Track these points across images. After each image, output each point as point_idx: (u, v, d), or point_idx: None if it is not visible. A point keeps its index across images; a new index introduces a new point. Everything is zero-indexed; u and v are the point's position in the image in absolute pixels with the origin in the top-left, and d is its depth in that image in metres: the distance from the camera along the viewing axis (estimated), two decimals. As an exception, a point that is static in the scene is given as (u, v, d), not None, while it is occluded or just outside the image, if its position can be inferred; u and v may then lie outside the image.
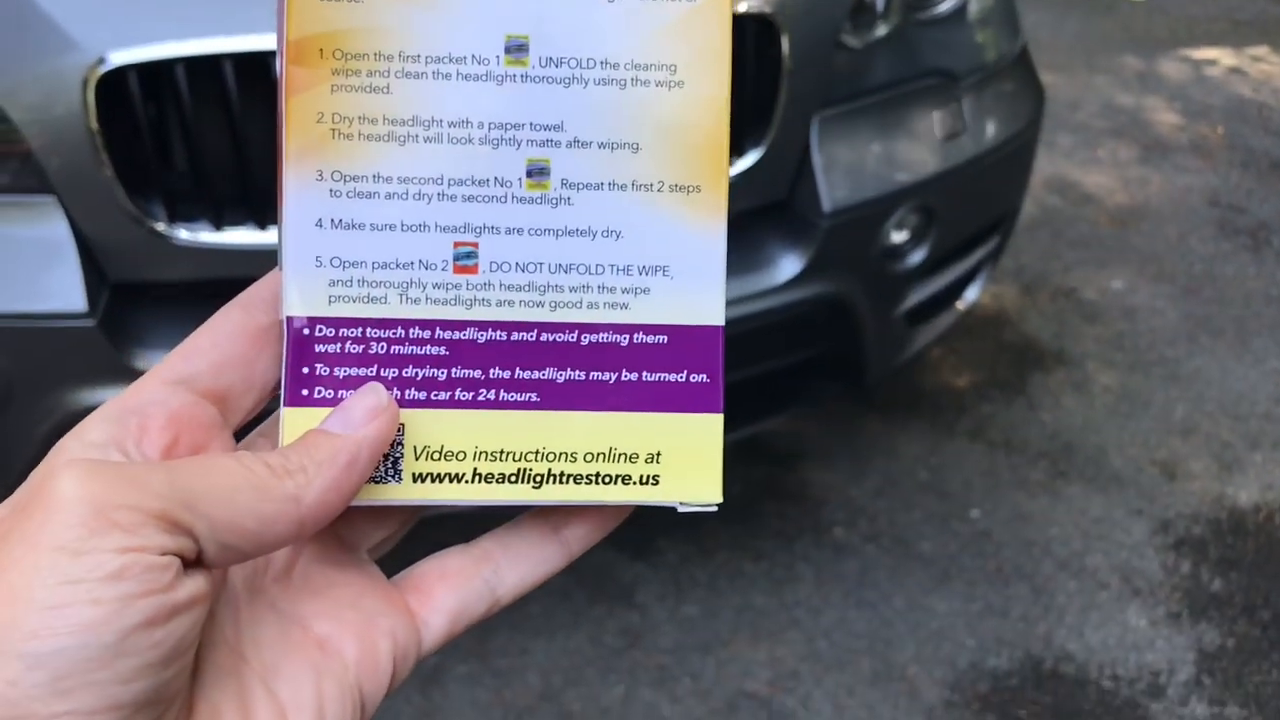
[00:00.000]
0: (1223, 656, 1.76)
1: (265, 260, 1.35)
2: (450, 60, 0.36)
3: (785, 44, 1.44)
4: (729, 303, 1.43)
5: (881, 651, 1.74)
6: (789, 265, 1.49)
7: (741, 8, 1.43)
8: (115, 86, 1.23)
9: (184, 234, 1.29)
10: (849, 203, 1.51)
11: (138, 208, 1.27)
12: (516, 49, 0.36)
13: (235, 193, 1.30)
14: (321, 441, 0.34)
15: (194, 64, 1.24)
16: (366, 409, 0.35)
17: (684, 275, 0.37)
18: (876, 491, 2.02)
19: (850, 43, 1.55)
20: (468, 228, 0.36)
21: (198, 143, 1.26)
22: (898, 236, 1.61)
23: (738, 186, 1.48)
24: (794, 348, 1.60)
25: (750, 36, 1.44)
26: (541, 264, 0.37)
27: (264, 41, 1.25)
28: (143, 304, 1.32)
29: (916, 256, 1.63)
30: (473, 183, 0.36)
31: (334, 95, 0.36)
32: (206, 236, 1.29)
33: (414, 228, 0.36)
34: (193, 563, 0.31)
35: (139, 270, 1.31)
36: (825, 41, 1.51)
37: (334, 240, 0.36)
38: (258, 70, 1.26)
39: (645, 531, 1.89)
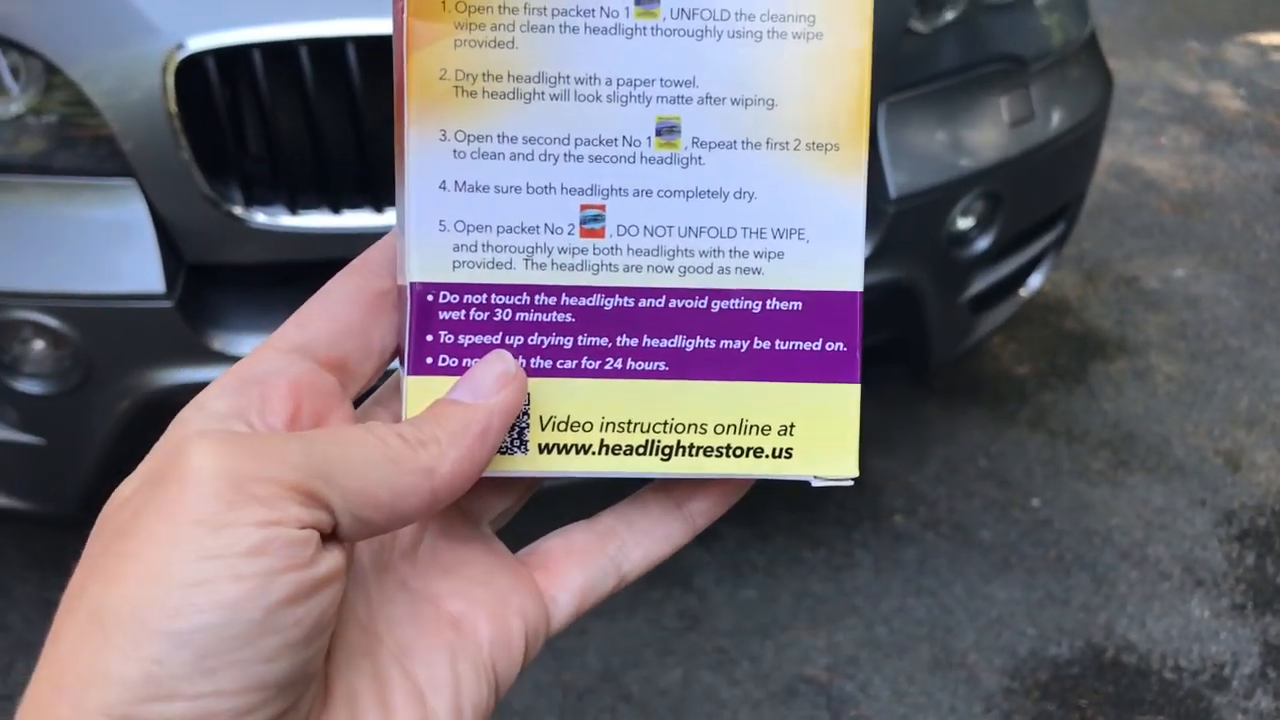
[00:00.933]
0: (1288, 649, 1.74)
1: (340, 243, 1.37)
2: (578, 13, 0.34)
3: (854, 29, 1.44)
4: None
5: (941, 639, 1.74)
6: (855, 251, 1.48)
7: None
8: (193, 71, 1.25)
9: (260, 217, 1.31)
10: (915, 189, 1.50)
11: (214, 191, 1.29)
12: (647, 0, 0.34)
13: (310, 177, 1.32)
14: (453, 412, 0.33)
15: (270, 49, 1.26)
16: (495, 376, 0.34)
17: (820, 238, 0.36)
18: (936, 479, 2.02)
19: (918, 28, 1.54)
20: (595, 189, 0.35)
21: (273, 127, 1.28)
22: (964, 223, 1.60)
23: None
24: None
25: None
26: (671, 227, 0.35)
27: (339, 27, 1.26)
28: (219, 285, 1.35)
29: (982, 243, 1.62)
30: (600, 142, 0.35)
31: (457, 50, 0.34)
32: (282, 220, 1.31)
33: (540, 190, 0.35)
34: (328, 536, 0.30)
35: (215, 252, 1.33)
36: (893, 26, 1.50)
37: (458, 203, 0.34)
38: (333, 55, 1.27)
39: (704, 516, 1.89)
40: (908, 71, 1.53)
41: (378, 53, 1.27)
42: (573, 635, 1.69)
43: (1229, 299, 2.51)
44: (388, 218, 1.32)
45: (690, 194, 0.35)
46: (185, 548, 0.27)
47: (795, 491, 1.94)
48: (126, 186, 1.29)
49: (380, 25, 1.26)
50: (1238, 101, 3.37)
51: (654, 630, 1.73)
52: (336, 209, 1.31)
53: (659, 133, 0.35)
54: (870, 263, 1.48)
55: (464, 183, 0.34)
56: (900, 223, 1.49)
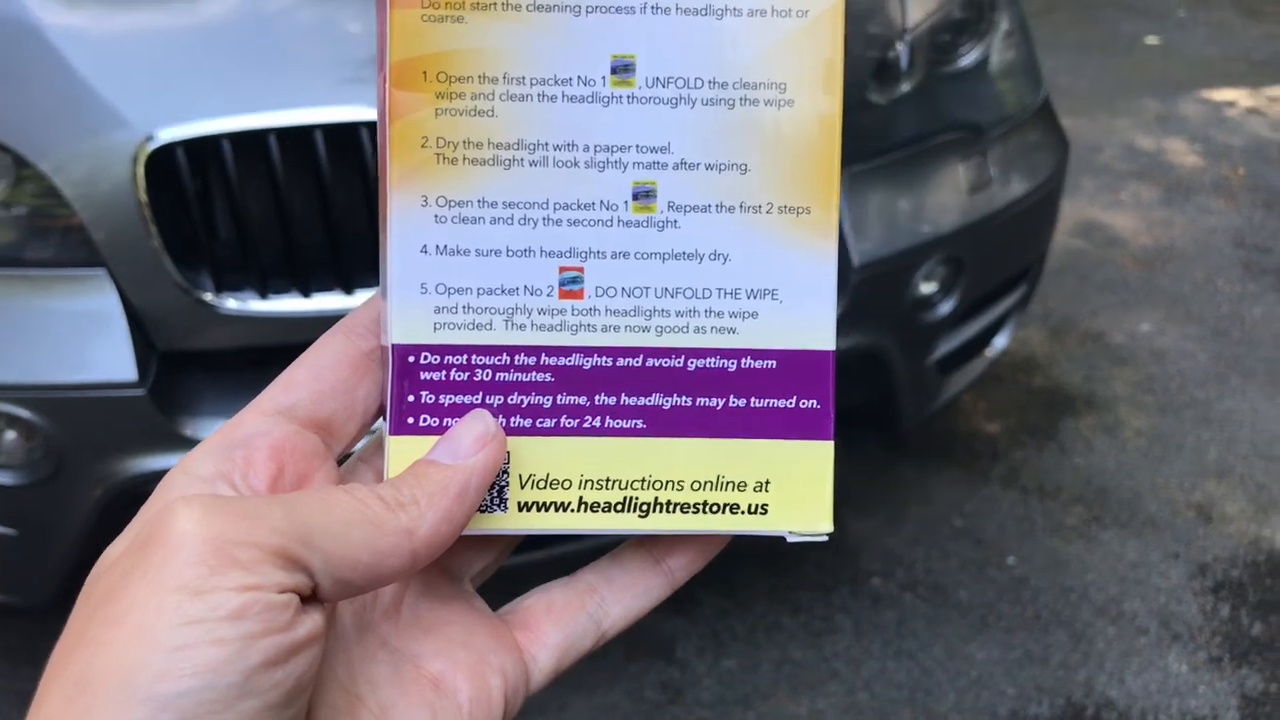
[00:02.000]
0: (1266, 701, 1.74)
1: (311, 326, 1.38)
2: (556, 82, 0.35)
3: (812, 103, 1.47)
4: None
5: (922, 701, 1.74)
6: (821, 319, 1.50)
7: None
8: (163, 161, 1.27)
9: (231, 303, 1.32)
10: (878, 256, 1.53)
11: (185, 278, 1.30)
12: (623, 69, 0.35)
13: (280, 262, 1.33)
14: (432, 472, 0.34)
15: (239, 138, 1.28)
16: (475, 437, 0.35)
17: (793, 299, 0.36)
18: (912, 540, 2.03)
19: (875, 99, 1.58)
20: (573, 252, 0.36)
21: (243, 214, 1.30)
22: (927, 288, 1.63)
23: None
24: (827, 400, 1.61)
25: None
26: (648, 288, 0.36)
27: (306, 115, 1.28)
28: (191, 372, 1.35)
29: (946, 307, 1.64)
30: (578, 206, 0.36)
31: (438, 119, 0.35)
32: (253, 305, 1.32)
33: (519, 253, 0.36)
34: (308, 598, 0.31)
35: (187, 339, 1.34)
36: (851, 100, 1.53)
37: (439, 266, 0.35)
38: (301, 141, 1.29)
39: (682, 584, 1.89)
40: (867, 142, 1.57)
41: (345, 139, 1.29)
42: (552, 711, 1.68)
43: (1194, 352, 2.55)
44: (358, 299, 1.33)
45: (666, 256, 0.36)
46: (169, 613, 0.28)
47: (774, 556, 1.95)
48: (97, 276, 1.30)
49: (347, 113, 1.28)
50: (1194, 157, 3.44)
51: (635, 703, 1.72)
52: (307, 293, 1.33)
53: (635, 197, 0.36)
54: (837, 329, 1.50)
55: (445, 247, 0.35)
56: (864, 289, 1.51)
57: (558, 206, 0.36)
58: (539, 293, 0.36)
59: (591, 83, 0.35)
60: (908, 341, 1.62)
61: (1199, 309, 2.71)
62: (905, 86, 1.61)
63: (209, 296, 1.31)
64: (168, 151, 1.26)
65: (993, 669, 1.79)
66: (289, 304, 1.33)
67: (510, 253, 0.36)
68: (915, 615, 1.88)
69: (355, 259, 1.33)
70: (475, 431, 0.35)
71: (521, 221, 0.36)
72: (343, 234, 1.32)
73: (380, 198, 0.36)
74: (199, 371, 1.36)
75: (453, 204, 0.35)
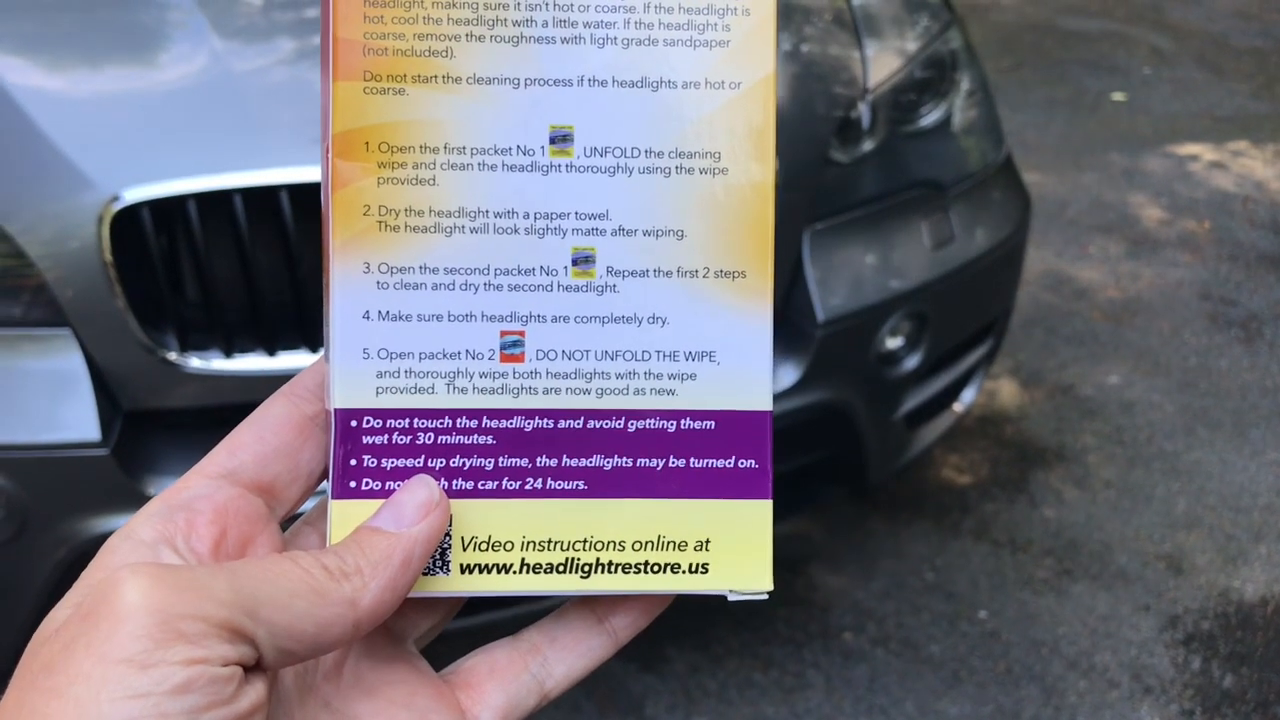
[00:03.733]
0: (1238, 754, 1.74)
1: (276, 385, 1.38)
2: (496, 151, 0.36)
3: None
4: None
5: (894, 758, 1.73)
6: (786, 374, 1.52)
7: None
8: (128, 221, 1.28)
9: (195, 362, 1.32)
10: (842, 312, 1.54)
11: (150, 338, 1.31)
12: (561, 139, 0.36)
13: (245, 321, 1.34)
14: (376, 540, 0.34)
15: (205, 199, 1.29)
16: (418, 504, 0.35)
17: (730, 361, 0.37)
18: (884, 594, 2.02)
19: (838, 158, 1.60)
20: (514, 316, 0.36)
21: (209, 273, 1.30)
22: (892, 343, 1.64)
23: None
24: (795, 454, 1.62)
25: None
26: (588, 351, 0.37)
27: (271, 176, 1.29)
28: (155, 431, 1.35)
29: (911, 362, 1.66)
30: (519, 272, 0.36)
31: (380, 188, 0.36)
32: (218, 364, 1.32)
33: (461, 318, 0.36)
34: (252, 668, 0.31)
35: (151, 398, 1.33)
36: (814, 158, 1.56)
37: (381, 332, 0.36)
38: (267, 201, 1.30)
39: (653, 640, 1.89)
40: (830, 200, 1.59)
41: (310, 198, 1.30)
42: (523, 770, 1.67)
43: (1162, 404, 2.57)
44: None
45: (606, 320, 0.37)
46: (113, 686, 0.28)
47: (746, 612, 1.94)
48: (62, 336, 1.30)
49: (311, 173, 1.29)
50: (1160, 211, 3.49)
51: (605, 762, 1.71)
52: (272, 351, 1.33)
53: (575, 262, 0.37)
54: (801, 385, 1.51)
55: (387, 312, 0.36)
56: (829, 345, 1.52)
57: (498, 272, 0.36)
58: (480, 356, 0.36)
59: (531, 152, 0.36)
60: (874, 396, 1.64)
61: (1166, 361, 2.73)
62: (868, 145, 1.64)
63: (173, 356, 1.31)
64: (133, 212, 1.27)
65: (965, 724, 1.79)
66: (254, 362, 1.33)
67: (452, 318, 0.36)
68: (887, 670, 1.88)
69: (321, 317, 1.33)
70: (419, 498, 0.35)
71: (463, 287, 0.36)
72: (308, 292, 1.32)
73: (324, 264, 0.37)
74: (163, 431, 1.36)
75: (395, 270, 0.36)
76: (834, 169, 1.59)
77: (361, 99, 0.36)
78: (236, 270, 1.31)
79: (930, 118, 1.73)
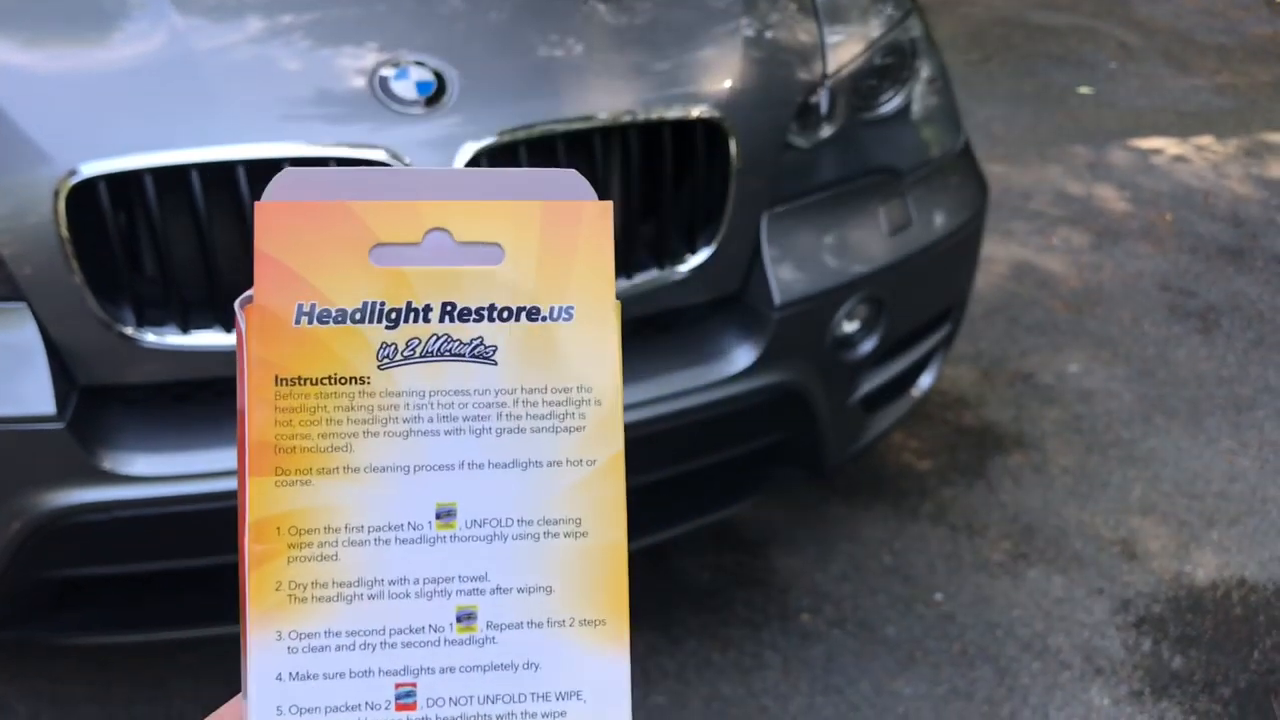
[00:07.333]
0: (1185, 733, 1.78)
1: (231, 361, 1.39)
2: (389, 528, 0.41)
3: (734, 146, 1.51)
4: (686, 392, 1.46)
5: (848, 737, 1.75)
6: (743, 356, 1.53)
7: (693, 113, 1.49)
8: (85, 195, 1.28)
9: (151, 337, 1.32)
10: (799, 295, 1.56)
11: (106, 312, 1.31)
12: (446, 515, 0.42)
13: (202, 296, 1.34)
14: None
15: (162, 174, 1.29)
16: None
17: (595, 698, 0.42)
18: (841, 576, 2.05)
19: (798, 143, 1.61)
20: (407, 670, 0.42)
21: (166, 248, 1.31)
22: (848, 326, 1.66)
23: (693, 280, 1.53)
24: (751, 436, 1.64)
25: (701, 140, 1.51)
26: (472, 696, 0.42)
27: (229, 152, 1.30)
28: (111, 406, 1.35)
29: (868, 345, 1.68)
30: (410, 630, 0.42)
31: (290, 566, 0.41)
32: (173, 339, 1.33)
33: (361, 674, 0.41)
34: None
35: (108, 373, 1.34)
36: (773, 143, 1.58)
37: (292, 691, 0.41)
38: (224, 177, 1.30)
39: (612, 622, 1.90)
40: (789, 184, 1.60)
41: (268, 174, 1.30)
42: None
43: (1120, 392, 2.61)
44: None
45: (487, 668, 0.42)
46: None
47: (703, 594, 1.96)
48: (18, 310, 1.30)
49: (271, 149, 1.30)
50: (1123, 203, 3.53)
51: (563, 740, 1.72)
52: (229, 327, 1.33)
53: (459, 620, 0.42)
54: (757, 367, 1.53)
55: (297, 673, 0.41)
56: (785, 328, 1.54)
57: (393, 632, 0.42)
58: (378, 707, 0.41)
59: (419, 527, 0.42)
60: (829, 380, 1.65)
61: (1126, 350, 2.77)
62: (827, 130, 1.65)
63: (130, 331, 1.31)
64: (90, 186, 1.27)
65: (919, 704, 1.81)
66: (210, 338, 1.33)
67: (353, 674, 0.41)
68: (843, 651, 1.90)
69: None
70: None
71: (362, 647, 0.42)
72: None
73: (242, 631, 0.42)
74: (120, 406, 1.36)
75: (303, 636, 0.41)
76: (793, 153, 1.61)
77: (273, 491, 0.41)
78: (194, 245, 1.32)
79: (889, 105, 1.75)
